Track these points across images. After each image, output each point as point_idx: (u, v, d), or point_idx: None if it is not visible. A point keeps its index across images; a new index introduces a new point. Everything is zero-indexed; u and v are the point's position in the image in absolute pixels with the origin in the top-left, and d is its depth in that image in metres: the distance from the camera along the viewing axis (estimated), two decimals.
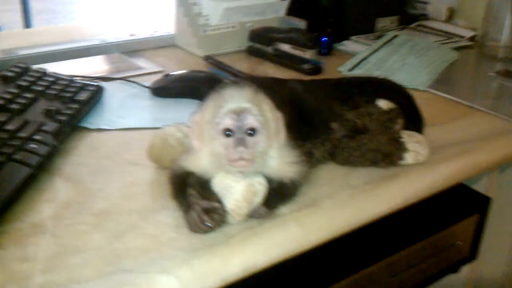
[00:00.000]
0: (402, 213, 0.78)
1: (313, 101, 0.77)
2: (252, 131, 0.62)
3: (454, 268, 0.96)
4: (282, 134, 0.66)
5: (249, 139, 0.62)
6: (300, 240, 0.67)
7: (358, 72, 1.17)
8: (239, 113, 0.61)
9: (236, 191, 0.63)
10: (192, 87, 1.00)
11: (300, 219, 0.68)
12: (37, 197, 0.69)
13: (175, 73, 1.03)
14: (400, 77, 1.14)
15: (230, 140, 0.62)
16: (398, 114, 0.84)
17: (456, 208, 0.91)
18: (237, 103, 0.62)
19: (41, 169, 0.73)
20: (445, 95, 1.07)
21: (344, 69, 1.18)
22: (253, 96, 0.64)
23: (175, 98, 1.00)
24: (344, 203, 0.72)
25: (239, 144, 0.61)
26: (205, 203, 0.63)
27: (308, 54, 1.18)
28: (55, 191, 0.71)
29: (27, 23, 3.34)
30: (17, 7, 3.48)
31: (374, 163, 0.78)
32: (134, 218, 0.66)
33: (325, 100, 0.80)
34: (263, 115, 0.63)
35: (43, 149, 0.74)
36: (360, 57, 1.23)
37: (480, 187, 0.98)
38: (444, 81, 1.15)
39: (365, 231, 0.75)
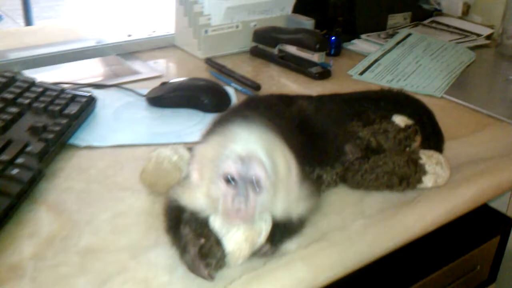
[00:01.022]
0: (418, 239, 0.71)
1: (324, 123, 0.70)
2: (257, 185, 0.53)
3: None
4: (292, 181, 0.57)
5: (252, 195, 0.53)
6: (308, 282, 0.60)
7: (369, 76, 1.09)
8: (245, 161, 0.53)
9: (237, 230, 0.56)
10: (191, 97, 0.93)
11: (308, 257, 0.61)
12: (17, 232, 0.62)
13: (174, 81, 0.96)
14: (414, 82, 1.06)
15: (230, 190, 0.54)
16: (416, 132, 0.77)
17: (476, 231, 0.84)
18: (245, 147, 0.53)
19: (23, 197, 0.66)
20: (462, 102, 1.00)
21: (355, 73, 1.11)
22: (265, 139, 0.55)
23: (173, 108, 0.93)
24: (356, 237, 0.65)
25: (239, 198, 0.53)
26: (200, 246, 0.56)
27: (316, 57, 1.10)
28: (37, 223, 0.64)
29: (27, 13, 3.26)
30: None
31: (389, 187, 0.71)
32: (123, 258, 0.59)
33: (337, 118, 0.73)
34: (273, 163, 0.54)
35: (26, 175, 0.68)
36: (372, 59, 1.16)
37: (497, 204, 0.90)
38: (461, 86, 1.07)
39: (379, 261, 0.68)
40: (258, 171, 0.53)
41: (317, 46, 1.08)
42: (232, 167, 0.53)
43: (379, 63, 1.14)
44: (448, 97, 1.02)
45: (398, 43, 1.23)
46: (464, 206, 0.74)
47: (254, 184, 0.53)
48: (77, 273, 0.57)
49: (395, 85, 1.05)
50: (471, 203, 0.75)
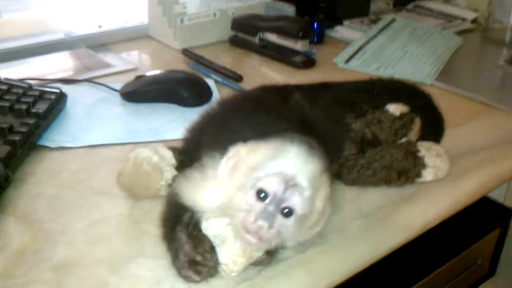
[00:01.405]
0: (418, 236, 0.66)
1: (323, 121, 0.64)
2: (289, 213, 0.48)
3: (473, 287, 0.85)
4: (317, 228, 0.52)
5: (280, 219, 0.48)
6: None
7: (355, 64, 1.04)
8: (289, 184, 0.48)
9: (234, 243, 0.51)
10: (169, 90, 0.87)
11: (307, 263, 0.56)
12: None
13: (149, 74, 0.90)
14: (403, 69, 1.02)
15: (258, 206, 0.48)
16: (411, 119, 0.72)
17: (477, 224, 0.80)
18: (295, 170, 0.48)
19: None
20: (453, 89, 0.96)
21: (340, 61, 1.06)
22: (317, 173, 0.50)
23: (150, 103, 0.87)
24: (356, 238, 0.60)
25: (265, 218, 0.48)
26: (191, 252, 0.50)
27: (299, 45, 1.05)
28: (5, 236, 0.58)
29: None
30: None
31: (387, 182, 0.67)
32: (102, 272, 0.53)
33: (333, 114, 0.68)
34: (313, 202, 0.49)
35: None
36: (356, 46, 1.11)
37: (494, 193, 0.86)
38: (450, 72, 1.03)
39: (379, 261, 0.64)
40: (297, 201, 0.48)
41: (301, 33, 1.02)
42: (273, 184, 0.48)
43: (365, 51, 1.09)
44: (438, 83, 0.97)
45: (382, 29, 1.18)
46: (466, 199, 0.70)
47: (286, 211, 0.48)
48: None
49: (382, 73, 1.00)
50: (472, 196, 0.71)
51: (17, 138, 0.69)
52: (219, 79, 0.95)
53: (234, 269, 0.51)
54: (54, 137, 0.76)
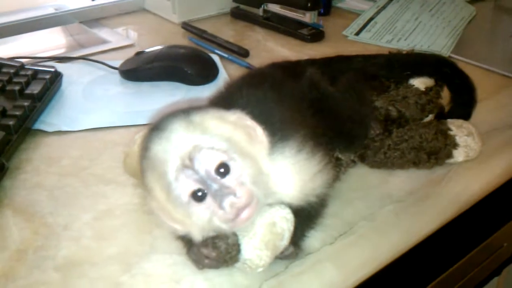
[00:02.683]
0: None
1: (341, 98, 0.59)
2: (223, 168, 0.42)
3: (498, 271, 0.81)
4: (261, 138, 0.45)
5: (228, 180, 0.42)
6: (339, 285, 0.50)
7: (366, 36, 0.99)
8: (190, 161, 0.42)
9: (255, 235, 0.45)
10: (172, 68, 0.80)
11: (336, 255, 0.51)
12: None
13: (150, 50, 0.83)
14: (417, 41, 0.96)
15: (209, 202, 0.42)
16: (438, 93, 0.67)
17: (503, 206, 0.76)
18: (180, 148, 0.42)
19: None
20: (472, 62, 0.90)
21: (350, 33, 1.00)
22: (191, 119, 0.44)
23: (151, 82, 0.81)
24: (387, 226, 0.55)
25: (223, 197, 0.42)
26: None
27: (307, 17, 0.99)
28: (3, 232, 0.53)
29: None
30: None
31: (416, 164, 0.62)
32: (113, 271, 0.48)
33: (351, 88, 0.62)
34: (221, 135, 0.43)
35: None
36: (366, 17, 1.05)
37: None
38: (466, 44, 0.97)
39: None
40: (213, 157, 0.42)
41: (309, 4, 0.96)
42: (187, 182, 0.42)
43: (375, 22, 1.03)
44: (455, 56, 0.92)
45: None
46: (498, 180, 0.65)
47: (221, 171, 0.42)
48: None
49: (396, 45, 0.95)
50: (504, 176, 0.66)
51: (11, 122, 0.63)
52: (224, 54, 0.89)
53: (259, 264, 0.46)
54: (51, 120, 0.70)
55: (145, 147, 0.44)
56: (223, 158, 0.42)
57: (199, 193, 0.42)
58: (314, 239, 0.52)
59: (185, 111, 0.45)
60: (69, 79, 0.79)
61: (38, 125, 0.69)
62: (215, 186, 0.42)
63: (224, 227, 0.43)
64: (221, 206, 0.42)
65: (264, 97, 0.52)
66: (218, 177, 0.42)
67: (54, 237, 0.52)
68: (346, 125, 0.57)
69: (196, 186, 0.42)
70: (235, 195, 0.42)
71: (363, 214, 0.56)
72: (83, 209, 0.56)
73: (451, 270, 0.67)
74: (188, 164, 0.42)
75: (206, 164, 0.42)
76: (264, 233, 0.45)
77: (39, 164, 0.62)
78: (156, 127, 0.44)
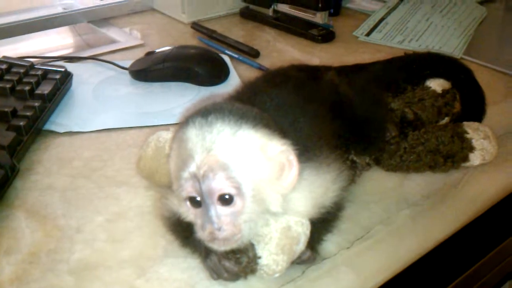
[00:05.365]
0: None
1: (360, 102, 0.58)
2: (227, 198, 0.41)
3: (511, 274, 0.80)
4: (291, 179, 0.43)
5: (223, 211, 0.41)
6: None
7: (377, 37, 0.98)
8: (201, 174, 0.41)
9: (270, 240, 0.45)
10: (183, 68, 0.80)
11: (353, 259, 0.50)
12: None
13: (160, 50, 0.82)
14: (429, 42, 0.95)
15: (198, 212, 0.43)
16: (454, 96, 0.67)
17: None
18: (201, 157, 0.41)
19: None
20: (485, 63, 0.89)
21: (361, 34, 0.99)
22: (235, 133, 0.42)
23: (162, 82, 0.80)
24: (404, 230, 0.55)
25: (208, 223, 0.41)
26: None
27: (318, 17, 0.98)
28: (15, 234, 0.52)
29: None
30: None
31: (432, 167, 0.61)
32: (127, 275, 0.48)
33: (367, 91, 0.61)
34: (247, 170, 0.41)
35: None
36: (377, 18, 1.04)
37: None
38: (478, 45, 0.96)
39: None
40: (221, 185, 0.41)
41: (320, 4, 0.95)
42: (189, 189, 0.42)
43: (386, 22, 1.02)
44: (468, 58, 0.91)
45: None
46: None
47: (222, 200, 0.41)
48: None
49: (407, 46, 0.94)
50: None
51: (22, 123, 0.63)
52: (235, 55, 0.88)
53: (276, 269, 0.45)
54: (62, 121, 0.70)
55: (184, 125, 0.43)
56: (231, 192, 0.41)
57: (196, 200, 0.42)
58: (330, 243, 0.51)
59: (239, 116, 0.42)
60: (79, 79, 0.79)
61: (49, 126, 0.68)
62: (210, 209, 0.41)
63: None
64: (202, 227, 0.42)
65: (288, 101, 0.52)
66: (218, 203, 0.41)
67: (67, 240, 0.51)
68: (362, 127, 0.57)
69: (195, 195, 0.42)
70: (219, 229, 0.41)
71: (380, 218, 0.55)
72: (96, 211, 0.55)
73: (467, 273, 0.66)
74: (199, 177, 0.41)
75: (214, 189, 0.41)
76: (279, 238, 0.45)
77: (51, 165, 0.62)
78: (204, 115, 0.42)
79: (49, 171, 0.61)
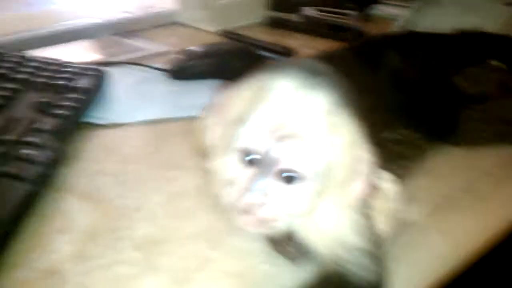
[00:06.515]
0: None
1: (426, 82, 0.55)
2: (287, 176, 0.34)
3: None
4: (358, 188, 0.36)
5: (277, 187, 0.34)
6: (449, 257, 0.45)
7: None
8: (281, 138, 0.33)
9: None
10: (220, 64, 0.77)
11: (441, 226, 0.46)
12: (44, 227, 0.46)
13: (195, 48, 0.80)
14: None
15: (245, 173, 0.35)
16: None
17: None
18: (287, 117, 0.33)
19: (43, 184, 0.49)
20: None
21: None
22: (324, 110, 0.34)
23: (198, 80, 0.77)
24: (487, 196, 0.51)
25: (254, 190, 0.34)
26: None
27: (348, 19, 0.96)
28: (69, 215, 0.48)
29: None
30: None
31: (502, 138, 0.57)
32: (200, 248, 0.43)
33: (431, 70, 0.59)
34: (324, 154, 0.34)
35: (42, 155, 0.51)
36: (406, 21, 1.02)
37: None
38: None
39: None
40: (296, 161, 0.34)
41: (350, 5, 0.93)
42: (255, 144, 0.34)
43: (416, 26, 1.00)
44: None
45: (429, 4, 1.10)
46: None
47: (285, 176, 0.34)
48: (142, 273, 0.41)
49: None
50: None
51: (62, 111, 0.59)
52: (269, 54, 0.86)
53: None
54: (102, 114, 0.66)
55: (269, 73, 0.36)
56: (300, 173, 0.34)
57: (252, 158, 0.35)
58: (413, 212, 0.47)
59: (342, 102, 0.35)
60: (115, 80, 0.76)
61: (89, 119, 0.64)
62: (266, 177, 0.34)
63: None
64: (242, 192, 0.34)
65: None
66: (277, 177, 0.34)
67: (126, 219, 0.47)
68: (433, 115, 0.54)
69: (257, 153, 0.34)
70: (262, 204, 0.34)
71: (457, 186, 0.51)
72: (152, 192, 0.51)
73: None
74: (276, 137, 0.33)
75: (284, 159, 0.34)
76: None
77: (97, 153, 0.58)
78: (290, 66, 0.36)
79: (97, 158, 0.57)
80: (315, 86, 0.34)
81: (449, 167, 0.54)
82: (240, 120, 0.35)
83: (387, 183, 0.42)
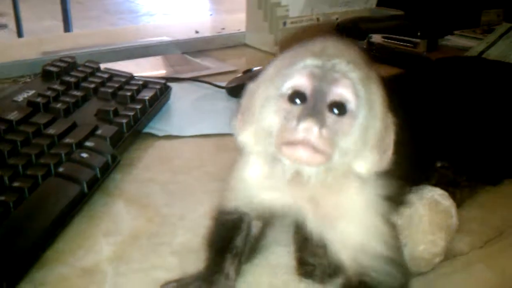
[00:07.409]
0: None
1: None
2: (341, 108, 0.34)
3: None
4: (388, 148, 0.36)
5: (332, 118, 0.33)
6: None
7: None
8: (326, 71, 0.33)
9: (421, 220, 0.39)
10: None
11: (489, 259, 0.44)
12: (91, 228, 0.47)
13: (257, 68, 0.81)
14: None
15: (295, 108, 0.34)
16: None
17: None
18: (332, 54, 0.34)
19: (95, 187, 0.51)
20: None
21: None
22: (357, 57, 0.36)
23: None
24: None
25: (310, 117, 0.33)
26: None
27: (417, 47, 0.95)
28: (115, 219, 0.49)
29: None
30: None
31: None
32: None
33: None
34: (367, 90, 0.34)
35: (98, 160, 0.53)
36: (477, 51, 0.99)
37: None
38: None
39: None
40: (346, 90, 0.33)
41: (419, 33, 0.92)
42: (303, 80, 0.34)
43: (488, 54, 0.98)
44: None
45: (501, 35, 1.06)
46: None
47: (336, 106, 0.34)
48: (177, 277, 0.41)
49: None
50: None
51: (123, 120, 0.62)
52: None
53: (436, 251, 0.40)
54: (160, 126, 0.68)
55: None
56: (351, 102, 0.34)
57: (300, 96, 0.34)
58: (461, 243, 0.45)
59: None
60: (178, 95, 0.78)
61: (149, 130, 0.67)
62: (316, 104, 0.33)
63: (276, 150, 0.35)
64: (298, 121, 0.33)
65: None
66: (329, 109, 0.34)
67: (169, 226, 0.48)
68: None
69: (306, 89, 0.34)
70: (321, 128, 0.33)
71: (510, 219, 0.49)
72: (198, 203, 0.52)
73: None
74: (322, 70, 0.34)
75: (335, 88, 0.33)
76: (430, 214, 0.39)
77: (151, 162, 0.60)
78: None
79: (149, 167, 0.59)
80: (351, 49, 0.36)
81: (503, 199, 0.52)
82: (281, 70, 0.36)
83: (447, 200, 0.41)
